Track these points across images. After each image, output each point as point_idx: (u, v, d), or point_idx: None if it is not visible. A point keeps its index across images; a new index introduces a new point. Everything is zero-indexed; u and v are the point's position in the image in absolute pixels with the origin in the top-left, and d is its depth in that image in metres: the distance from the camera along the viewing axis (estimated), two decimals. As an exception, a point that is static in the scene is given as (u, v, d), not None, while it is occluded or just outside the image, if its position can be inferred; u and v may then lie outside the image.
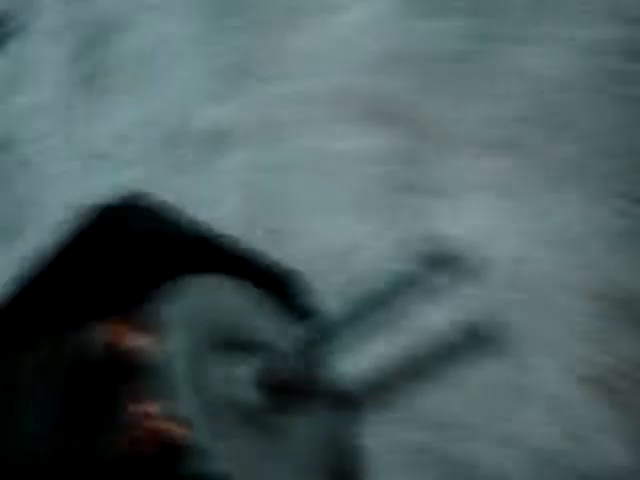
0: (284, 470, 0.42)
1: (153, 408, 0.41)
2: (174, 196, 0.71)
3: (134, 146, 0.79)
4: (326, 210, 0.66)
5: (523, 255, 0.57)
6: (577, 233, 0.57)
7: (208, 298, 0.47)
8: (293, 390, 0.45)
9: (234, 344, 0.46)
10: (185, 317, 0.43)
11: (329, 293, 0.61)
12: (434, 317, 0.57)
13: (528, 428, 0.52)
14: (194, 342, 0.42)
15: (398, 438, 0.55)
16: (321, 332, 0.42)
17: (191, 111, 0.77)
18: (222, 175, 0.72)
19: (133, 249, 0.49)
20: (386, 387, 0.57)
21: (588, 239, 0.56)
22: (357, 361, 0.58)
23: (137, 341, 0.42)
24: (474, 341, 0.56)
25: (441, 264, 0.37)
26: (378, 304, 0.40)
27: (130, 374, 0.41)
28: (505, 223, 0.59)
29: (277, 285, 0.57)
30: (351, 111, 0.68)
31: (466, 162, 0.62)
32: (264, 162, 0.71)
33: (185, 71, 0.79)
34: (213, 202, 0.71)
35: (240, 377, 0.43)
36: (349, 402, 0.55)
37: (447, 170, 0.62)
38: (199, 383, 0.40)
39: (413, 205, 0.63)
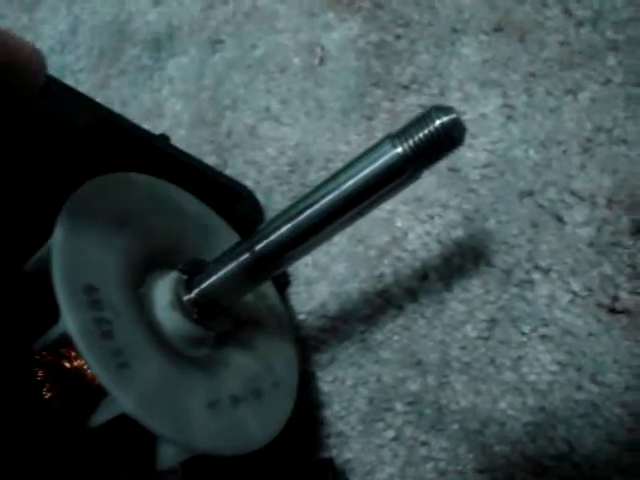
0: (197, 406, 0.33)
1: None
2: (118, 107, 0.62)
3: (73, 55, 0.69)
4: (279, 115, 0.55)
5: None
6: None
7: (131, 197, 0.38)
8: (221, 314, 0.37)
9: (160, 255, 0.38)
10: (97, 216, 0.34)
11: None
12: (413, 231, 0.48)
13: (525, 361, 0.42)
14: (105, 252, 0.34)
15: (368, 378, 0.46)
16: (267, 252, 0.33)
17: (130, 14, 0.66)
18: (165, 83, 0.61)
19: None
20: (347, 319, 0.47)
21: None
22: (313, 290, 0.49)
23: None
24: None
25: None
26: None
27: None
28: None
29: (221, 197, 0.48)
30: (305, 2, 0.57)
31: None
32: (211, 64, 0.60)
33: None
34: (156, 112, 0.61)
35: (163, 296, 0.36)
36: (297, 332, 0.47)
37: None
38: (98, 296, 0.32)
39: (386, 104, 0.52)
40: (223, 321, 0.37)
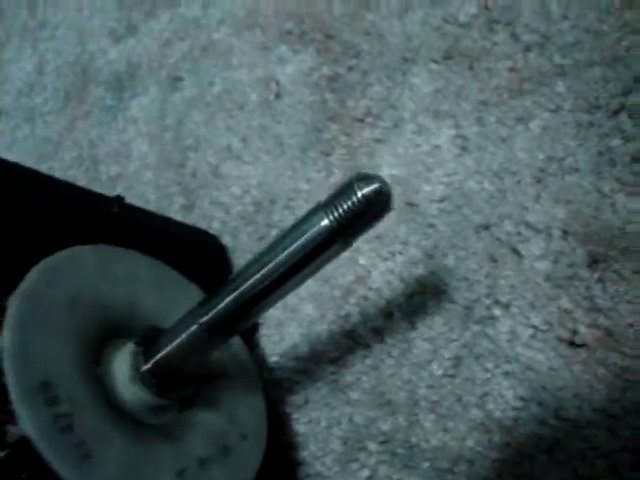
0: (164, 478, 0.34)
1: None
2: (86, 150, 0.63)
3: (40, 97, 0.69)
4: (240, 154, 0.55)
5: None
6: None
7: (79, 275, 0.38)
8: (180, 381, 0.37)
9: (117, 327, 0.38)
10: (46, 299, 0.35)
11: (246, 250, 0.52)
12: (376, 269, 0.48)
13: (490, 398, 0.43)
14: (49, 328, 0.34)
15: (340, 418, 0.47)
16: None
17: (91, 54, 0.66)
18: (129, 123, 0.62)
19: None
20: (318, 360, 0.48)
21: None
22: (284, 331, 0.50)
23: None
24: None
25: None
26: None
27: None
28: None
29: (184, 249, 0.48)
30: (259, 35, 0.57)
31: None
32: (172, 103, 0.60)
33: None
34: (124, 153, 0.61)
35: (121, 370, 0.36)
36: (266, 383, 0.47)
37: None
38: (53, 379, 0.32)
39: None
40: (185, 387, 0.38)
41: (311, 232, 0.30)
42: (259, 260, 0.32)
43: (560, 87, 0.45)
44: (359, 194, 0.29)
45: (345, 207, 0.29)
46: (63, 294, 0.36)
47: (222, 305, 0.33)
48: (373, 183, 0.29)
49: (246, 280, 0.33)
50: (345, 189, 0.30)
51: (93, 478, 0.31)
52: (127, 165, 0.60)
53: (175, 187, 0.57)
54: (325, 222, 0.30)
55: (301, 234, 0.31)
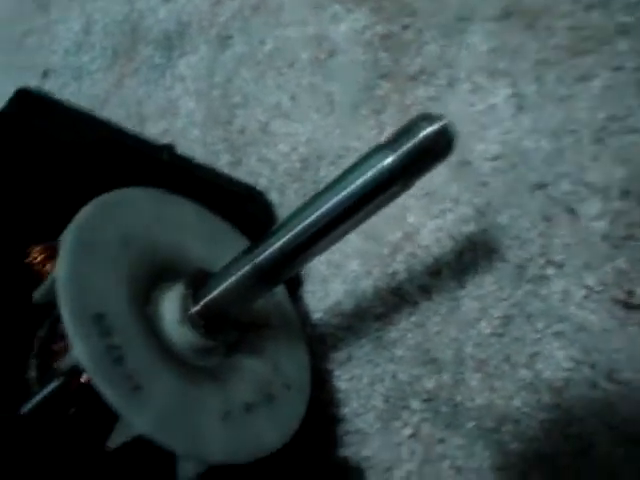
0: (210, 419, 0.34)
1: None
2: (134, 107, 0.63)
3: (88, 55, 0.70)
4: (289, 111, 0.55)
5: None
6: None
7: (131, 215, 0.38)
8: (228, 325, 0.37)
9: (166, 269, 0.38)
10: (105, 239, 0.35)
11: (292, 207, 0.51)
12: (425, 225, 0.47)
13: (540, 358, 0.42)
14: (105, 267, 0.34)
15: (384, 375, 0.46)
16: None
17: (140, 12, 0.66)
18: (177, 81, 0.62)
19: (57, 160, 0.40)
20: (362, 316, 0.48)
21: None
22: (328, 288, 0.49)
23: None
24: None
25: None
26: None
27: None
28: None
29: (231, 201, 0.48)
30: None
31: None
32: (221, 61, 0.60)
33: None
34: (171, 110, 0.61)
35: (169, 311, 0.36)
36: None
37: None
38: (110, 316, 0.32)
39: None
40: (231, 331, 0.38)
41: (372, 171, 0.30)
42: (315, 201, 0.32)
43: (622, 46, 0.44)
44: (423, 133, 0.28)
45: (409, 146, 0.29)
46: (115, 232, 0.36)
47: (276, 246, 0.33)
48: (438, 122, 0.29)
49: (302, 221, 0.32)
50: (409, 128, 0.29)
51: (144, 409, 0.31)
52: (174, 122, 0.60)
53: (222, 144, 0.57)
54: (388, 160, 0.29)
55: (361, 173, 0.30)
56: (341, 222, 0.31)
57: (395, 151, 0.29)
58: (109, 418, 0.31)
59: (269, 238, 0.33)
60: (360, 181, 0.30)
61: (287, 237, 0.33)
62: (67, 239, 0.33)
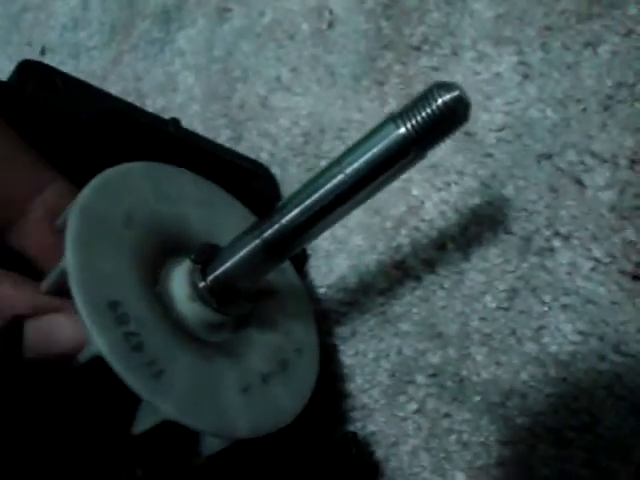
0: (231, 394, 0.34)
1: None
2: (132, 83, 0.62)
3: (86, 32, 0.69)
4: (290, 84, 0.54)
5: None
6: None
7: (133, 191, 0.37)
8: (239, 298, 0.37)
9: (171, 245, 0.37)
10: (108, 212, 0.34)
11: (295, 181, 0.51)
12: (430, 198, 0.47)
13: (546, 332, 0.41)
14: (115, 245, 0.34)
15: (389, 350, 0.46)
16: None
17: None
18: (176, 56, 0.60)
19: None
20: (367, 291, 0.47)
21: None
22: (332, 263, 0.49)
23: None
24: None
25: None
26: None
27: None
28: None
29: (236, 176, 0.47)
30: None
31: None
32: (220, 35, 0.59)
33: None
34: (170, 86, 0.60)
35: (179, 288, 0.35)
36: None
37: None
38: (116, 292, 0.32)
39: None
40: (242, 305, 0.37)
41: (386, 140, 0.29)
42: (326, 172, 0.31)
43: (633, 9, 0.42)
44: (440, 101, 0.28)
45: (424, 114, 0.28)
46: (118, 211, 0.35)
47: (285, 221, 0.32)
48: (454, 90, 0.28)
49: (311, 195, 0.31)
50: (424, 96, 0.28)
51: (169, 394, 0.30)
52: (173, 98, 0.59)
53: (222, 119, 0.56)
54: (402, 129, 0.28)
55: (375, 143, 0.29)
56: (356, 192, 0.30)
57: (410, 119, 0.28)
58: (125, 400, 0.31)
59: (277, 212, 0.33)
60: (374, 150, 0.29)
61: (296, 211, 0.32)
62: (71, 224, 0.32)
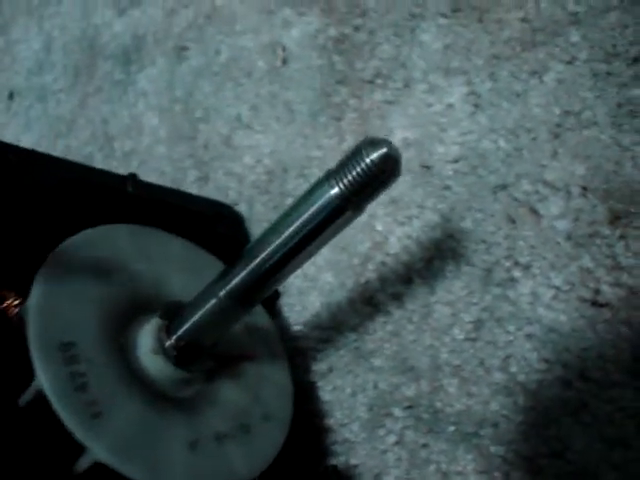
0: (175, 447, 0.35)
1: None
2: (99, 126, 0.62)
3: (50, 75, 0.69)
4: (250, 123, 0.54)
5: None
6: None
7: (114, 249, 0.39)
8: (202, 355, 0.38)
9: (147, 303, 0.39)
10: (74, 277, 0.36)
11: (262, 219, 0.52)
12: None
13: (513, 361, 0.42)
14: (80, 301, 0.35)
15: (365, 385, 0.47)
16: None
17: (96, 28, 0.65)
18: (139, 97, 0.61)
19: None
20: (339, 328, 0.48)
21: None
22: (305, 300, 0.50)
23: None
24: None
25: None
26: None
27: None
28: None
29: (201, 222, 0.48)
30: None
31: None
32: (179, 74, 0.59)
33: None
34: (136, 127, 0.61)
35: (144, 342, 0.37)
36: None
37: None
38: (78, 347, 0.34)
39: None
40: (206, 361, 0.38)
41: (321, 201, 0.30)
42: (272, 231, 0.33)
43: (575, 36, 0.43)
44: (367, 160, 0.29)
45: (354, 174, 0.29)
46: (95, 266, 0.37)
47: (239, 278, 0.34)
48: (381, 148, 0.29)
49: (261, 252, 0.33)
50: (353, 155, 0.29)
51: (101, 435, 0.31)
52: (140, 140, 0.60)
53: (188, 160, 0.57)
54: (335, 190, 0.30)
55: (312, 203, 0.31)
56: (301, 249, 0.32)
57: (342, 180, 0.29)
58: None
59: (232, 269, 0.34)
60: (312, 210, 0.31)
61: (250, 267, 0.33)
62: (42, 270, 0.34)
